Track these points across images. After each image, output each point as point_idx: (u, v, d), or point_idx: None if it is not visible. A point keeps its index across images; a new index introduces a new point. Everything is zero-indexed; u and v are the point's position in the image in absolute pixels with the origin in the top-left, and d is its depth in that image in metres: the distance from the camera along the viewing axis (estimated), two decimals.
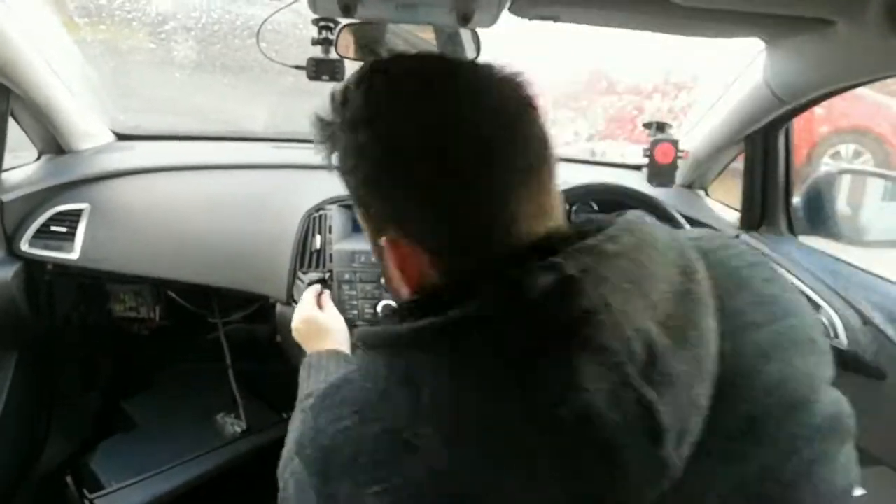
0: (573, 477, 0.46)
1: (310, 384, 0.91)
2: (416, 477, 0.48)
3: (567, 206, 1.46)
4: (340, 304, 1.29)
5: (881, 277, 1.30)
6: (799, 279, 1.33)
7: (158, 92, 2.57)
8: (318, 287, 1.21)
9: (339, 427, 0.53)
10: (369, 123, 0.52)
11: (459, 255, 0.51)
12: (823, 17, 0.95)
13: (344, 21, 1.20)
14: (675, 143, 1.49)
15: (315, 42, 1.27)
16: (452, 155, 0.50)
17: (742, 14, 0.99)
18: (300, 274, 1.38)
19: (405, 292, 0.56)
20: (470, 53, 1.22)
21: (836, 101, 1.31)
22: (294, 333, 1.10)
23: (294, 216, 1.45)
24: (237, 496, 1.56)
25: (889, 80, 1.11)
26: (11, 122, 1.47)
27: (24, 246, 1.47)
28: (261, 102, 2.67)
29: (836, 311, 1.25)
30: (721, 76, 1.46)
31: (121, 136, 1.80)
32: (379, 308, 1.32)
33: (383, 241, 0.54)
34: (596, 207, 1.49)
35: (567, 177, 1.46)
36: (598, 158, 2.22)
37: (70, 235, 1.47)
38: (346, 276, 1.34)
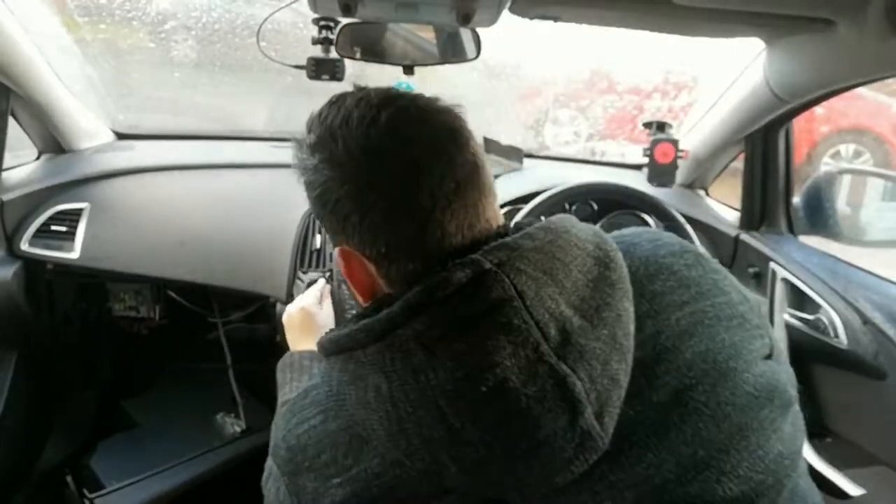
0: (502, 454, 0.50)
1: (292, 387, 0.93)
2: (371, 467, 0.55)
3: (567, 206, 1.46)
4: (340, 304, 1.29)
5: (881, 277, 1.30)
6: (799, 279, 1.34)
7: (158, 91, 2.57)
8: (324, 287, 1.22)
9: (306, 427, 0.60)
10: (322, 148, 0.59)
11: (395, 262, 0.58)
12: (823, 17, 0.95)
13: (344, 21, 1.20)
14: (675, 142, 1.49)
15: (315, 41, 1.27)
16: (386, 174, 0.56)
17: (742, 14, 0.99)
18: (300, 273, 1.38)
19: (360, 299, 0.63)
20: (470, 53, 1.22)
21: (836, 101, 1.31)
22: (285, 318, 1.11)
23: (294, 216, 1.45)
24: (237, 496, 1.55)
25: (889, 80, 1.11)
26: (11, 122, 1.47)
27: (24, 245, 1.47)
28: (261, 102, 2.67)
29: (836, 311, 1.25)
30: (721, 76, 1.46)
31: (121, 136, 1.80)
32: None
33: (336, 251, 0.62)
34: (596, 207, 1.49)
35: (567, 177, 1.47)
36: (598, 158, 2.22)
37: (70, 235, 1.47)
38: None
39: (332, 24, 1.25)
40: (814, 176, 1.48)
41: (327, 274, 1.35)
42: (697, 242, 1.36)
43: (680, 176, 1.59)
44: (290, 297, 1.39)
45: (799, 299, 1.36)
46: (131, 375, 1.94)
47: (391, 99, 0.60)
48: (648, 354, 0.56)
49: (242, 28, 2.22)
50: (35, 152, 1.63)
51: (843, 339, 1.23)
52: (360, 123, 0.57)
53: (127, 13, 2.18)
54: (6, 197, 1.47)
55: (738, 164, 1.57)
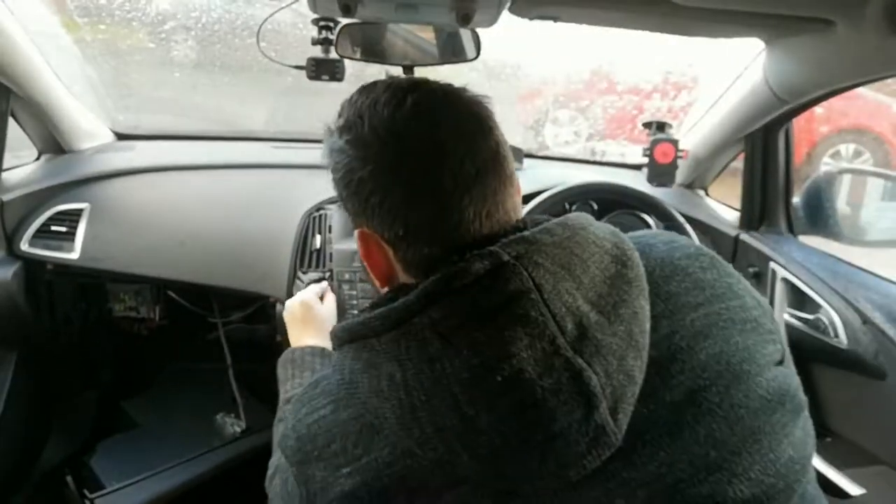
0: (517, 444, 0.50)
1: (294, 383, 0.93)
2: (382, 456, 0.55)
3: (567, 206, 1.46)
4: (340, 304, 1.29)
5: (881, 277, 1.30)
6: (799, 279, 1.34)
7: (158, 91, 2.58)
8: (325, 285, 1.22)
9: (317, 417, 0.60)
10: (349, 130, 0.60)
11: (413, 245, 0.58)
12: (823, 17, 0.96)
13: (344, 21, 1.20)
14: (674, 142, 1.49)
15: (315, 42, 1.27)
16: (410, 156, 0.57)
17: (742, 14, 1.00)
18: (300, 273, 1.38)
19: (378, 285, 0.64)
20: (470, 53, 1.22)
21: (835, 100, 1.31)
22: (286, 313, 1.11)
23: (294, 216, 1.45)
24: (237, 496, 1.56)
25: (889, 80, 1.11)
26: (11, 122, 1.47)
27: (24, 246, 1.47)
28: (260, 102, 2.67)
29: (836, 311, 1.25)
30: (721, 76, 1.46)
31: (121, 136, 1.80)
32: None
33: (356, 233, 0.62)
34: (596, 207, 1.49)
35: (567, 177, 1.47)
36: (598, 158, 2.22)
37: (70, 235, 1.47)
38: (346, 276, 1.34)
39: (331, 24, 1.25)
40: (814, 176, 1.48)
41: (327, 274, 1.35)
42: (697, 242, 1.36)
43: (680, 176, 1.59)
44: (290, 297, 1.39)
45: (799, 299, 1.36)
46: (131, 376, 1.94)
47: (419, 84, 0.61)
48: (663, 354, 0.56)
49: (242, 28, 2.23)
50: (35, 152, 1.63)
51: (843, 339, 1.24)
52: (386, 106, 0.58)
53: (127, 13, 2.18)
54: (6, 197, 1.47)
55: (738, 163, 1.57)
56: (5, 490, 1.53)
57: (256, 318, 1.80)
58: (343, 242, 1.38)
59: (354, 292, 1.33)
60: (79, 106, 1.61)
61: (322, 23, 1.25)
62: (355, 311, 1.33)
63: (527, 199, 1.36)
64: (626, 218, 1.55)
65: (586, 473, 0.51)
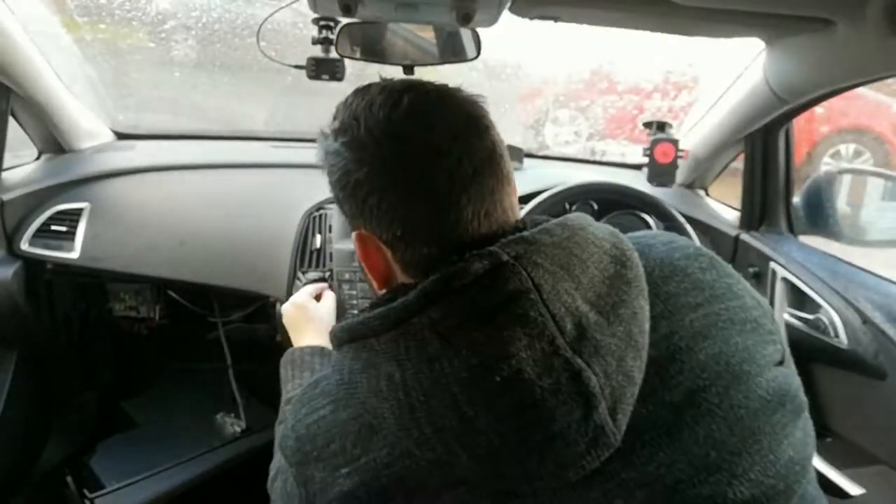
0: (516, 444, 0.50)
1: (294, 384, 0.93)
2: (381, 457, 0.55)
3: (567, 206, 1.46)
4: (340, 304, 1.29)
5: (881, 277, 1.30)
6: (799, 278, 1.34)
7: (158, 91, 2.57)
8: (322, 284, 1.22)
9: (316, 417, 0.60)
10: (345, 132, 0.60)
11: (411, 246, 0.58)
12: (823, 17, 0.96)
13: (344, 20, 1.20)
14: (675, 142, 1.49)
15: (315, 41, 1.27)
16: (406, 157, 0.57)
17: (742, 14, 0.99)
18: (300, 273, 1.38)
19: (376, 286, 0.64)
20: (470, 53, 1.22)
21: (835, 100, 1.31)
22: (284, 317, 1.11)
23: (294, 215, 1.45)
24: (237, 496, 1.56)
25: (889, 80, 1.11)
26: (11, 122, 1.47)
27: (24, 245, 1.47)
28: (260, 102, 2.67)
29: (836, 311, 1.25)
30: (721, 76, 1.46)
31: (120, 136, 1.80)
32: None
33: (354, 235, 0.63)
34: (596, 207, 1.49)
35: (567, 176, 1.46)
36: (598, 158, 2.22)
37: (70, 235, 1.47)
38: (346, 276, 1.34)
39: (332, 24, 1.25)
40: (814, 176, 1.48)
41: (327, 274, 1.35)
42: (697, 242, 1.36)
43: (680, 176, 1.59)
44: (290, 297, 1.39)
45: (799, 299, 1.36)
46: (131, 376, 1.94)
47: (414, 85, 0.61)
48: (662, 354, 0.56)
49: (242, 28, 2.22)
50: (35, 152, 1.63)
51: (843, 339, 1.24)
52: (381, 108, 0.58)
53: (127, 13, 2.18)
54: (6, 197, 1.47)
55: (738, 163, 1.57)
56: (5, 490, 1.53)
57: (256, 318, 1.80)
58: (343, 242, 1.38)
59: (354, 292, 1.33)
60: (79, 105, 1.61)
61: (322, 22, 1.25)
62: (355, 311, 1.33)
63: (527, 198, 1.36)
64: (626, 218, 1.55)
65: (585, 474, 0.51)
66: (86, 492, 1.51)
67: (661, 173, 1.50)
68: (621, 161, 1.93)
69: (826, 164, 3.77)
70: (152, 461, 1.54)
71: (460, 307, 0.52)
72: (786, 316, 1.37)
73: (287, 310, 1.11)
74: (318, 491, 0.59)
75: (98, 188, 1.54)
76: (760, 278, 1.46)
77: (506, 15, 0.99)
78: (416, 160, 0.57)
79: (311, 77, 1.30)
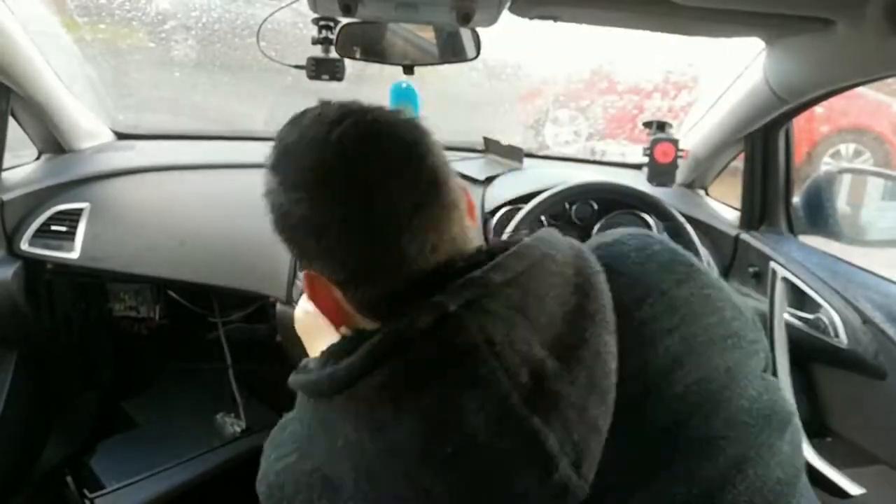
0: None
1: None
2: None
3: (567, 206, 1.46)
4: None
5: (881, 277, 1.30)
6: (799, 278, 1.34)
7: (158, 91, 2.57)
8: None
9: (283, 465, 0.58)
10: (278, 170, 0.57)
11: (359, 287, 0.56)
12: (823, 17, 0.95)
13: (344, 20, 1.20)
14: (675, 142, 1.49)
15: (315, 41, 1.27)
16: (338, 195, 0.54)
17: (742, 14, 0.99)
18: (300, 273, 1.38)
19: (329, 325, 0.63)
20: (470, 53, 1.22)
21: (835, 100, 1.31)
22: (296, 324, 1.10)
23: None
24: (237, 496, 1.55)
25: (889, 80, 1.11)
26: (11, 122, 1.47)
27: (24, 245, 1.47)
28: (260, 101, 2.67)
29: (835, 311, 1.25)
30: (721, 76, 1.46)
31: (120, 136, 1.80)
32: None
33: (303, 274, 0.60)
34: (596, 207, 1.49)
35: (567, 176, 1.47)
36: (598, 158, 2.22)
37: (70, 235, 1.47)
38: None
39: (332, 24, 1.25)
40: (814, 176, 1.48)
41: None
42: (698, 242, 1.36)
43: (680, 176, 1.59)
44: (290, 297, 1.39)
45: (799, 299, 1.36)
46: (131, 376, 1.94)
47: (345, 115, 0.57)
48: (635, 391, 0.53)
49: (242, 28, 2.22)
50: (35, 152, 1.63)
51: (843, 339, 1.23)
52: (311, 144, 0.55)
53: (127, 13, 2.17)
54: (6, 197, 1.47)
55: (738, 163, 1.57)
56: (5, 490, 1.53)
57: (256, 318, 1.80)
58: None
59: None
60: (79, 105, 1.61)
61: (322, 22, 1.25)
62: None
63: (527, 198, 1.36)
64: (626, 218, 1.55)
65: None
66: (86, 492, 1.51)
67: (661, 173, 1.50)
68: (621, 161, 1.93)
69: (826, 164, 3.77)
70: (152, 461, 1.54)
71: (407, 368, 0.49)
72: (786, 316, 1.37)
73: (299, 317, 1.10)
74: None
75: (98, 188, 1.54)
76: (760, 278, 1.46)
77: (506, 15, 0.99)
78: (349, 199, 0.53)
79: (311, 77, 1.30)
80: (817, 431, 1.33)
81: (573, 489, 0.47)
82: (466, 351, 0.48)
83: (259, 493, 0.61)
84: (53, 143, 1.60)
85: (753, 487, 0.53)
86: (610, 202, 1.46)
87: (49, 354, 1.67)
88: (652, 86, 3.06)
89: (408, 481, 0.49)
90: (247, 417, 1.69)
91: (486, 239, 1.44)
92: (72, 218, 1.49)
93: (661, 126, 1.52)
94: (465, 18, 0.96)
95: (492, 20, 1.01)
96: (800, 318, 1.34)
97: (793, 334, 1.35)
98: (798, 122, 1.46)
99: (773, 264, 1.40)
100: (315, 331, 1.07)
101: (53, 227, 1.48)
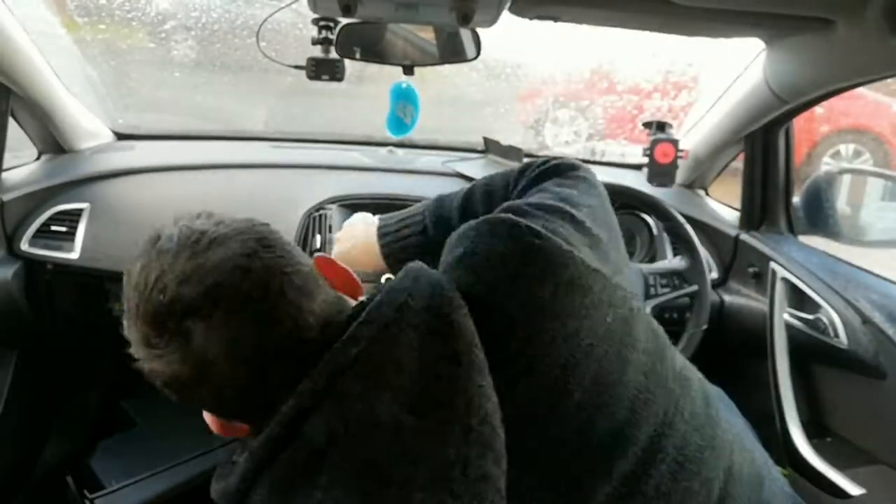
0: None
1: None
2: None
3: None
4: None
5: (881, 277, 1.30)
6: (799, 279, 1.34)
7: (158, 91, 2.58)
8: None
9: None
10: (127, 327, 0.61)
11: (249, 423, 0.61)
12: (823, 16, 0.96)
13: (344, 21, 1.20)
14: (675, 142, 1.49)
15: (315, 41, 1.27)
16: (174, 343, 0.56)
17: (742, 14, 0.99)
18: None
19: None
20: (470, 53, 1.22)
21: (835, 100, 1.31)
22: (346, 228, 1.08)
23: (294, 215, 1.45)
24: None
25: (889, 80, 1.11)
26: (11, 122, 1.47)
27: (24, 245, 1.47)
28: (260, 102, 2.67)
29: (835, 311, 1.25)
30: (721, 76, 1.46)
31: (120, 136, 1.79)
32: None
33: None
34: None
35: None
36: (598, 158, 2.22)
37: (70, 235, 1.47)
38: None
39: (332, 24, 1.25)
40: (814, 176, 1.48)
41: None
42: (697, 242, 1.36)
43: (680, 176, 1.59)
44: None
45: (799, 299, 1.36)
46: (131, 376, 1.92)
47: (185, 243, 0.58)
48: (524, 416, 0.53)
49: (242, 28, 2.23)
50: (35, 152, 1.63)
51: (843, 339, 1.23)
52: (147, 298, 0.56)
53: (127, 13, 2.18)
54: (6, 197, 1.47)
55: (738, 164, 1.57)
56: (5, 490, 1.53)
57: None
58: None
59: None
60: (79, 106, 1.61)
61: (322, 23, 1.25)
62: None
63: None
64: (626, 218, 1.55)
65: None
66: (86, 492, 1.51)
67: (661, 173, 1.50)
68: (621, 161, 1.93)
69: (826, 164, 3.77)
70: (152, 461, 1.54)
71: (284, 474, 0.50)
72: (786, 316, 1.37)
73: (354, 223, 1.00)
74: None
75: (98, 188, 1.54)
76: (760, 278, 1.46)
77: (506, 15, 0.99)
78: (198, 340, 0.54)
79: (310, 77, 1.30)
80: (817, 432, 1.33)
81: None
82: (323, 447, 0.49)
83: None
84: (53, 143, 1.60)
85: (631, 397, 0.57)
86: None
87: (49, 354, 1.67)
88: (652, 86, 3.07)
89: None
90: None
91: None
92: (72, 218, 1.49)
93: (661, 126, 1.52)
94: (465, 19, 0.96)
95: (492, 20, 1.01)
96: (800, 319, 1.34)
97: (793, 334, 1.35)
98: (798, 122, 1.46)
99: (773, 265, 1.40)
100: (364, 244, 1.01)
101: (53, 228, 1.48)
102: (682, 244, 1.39)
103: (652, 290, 1.38)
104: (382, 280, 0.93)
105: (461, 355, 0.51)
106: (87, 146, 1.67)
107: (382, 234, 0.84)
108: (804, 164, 3.49)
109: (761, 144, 1.46)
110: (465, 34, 1.21)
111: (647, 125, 1.55)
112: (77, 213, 1.49)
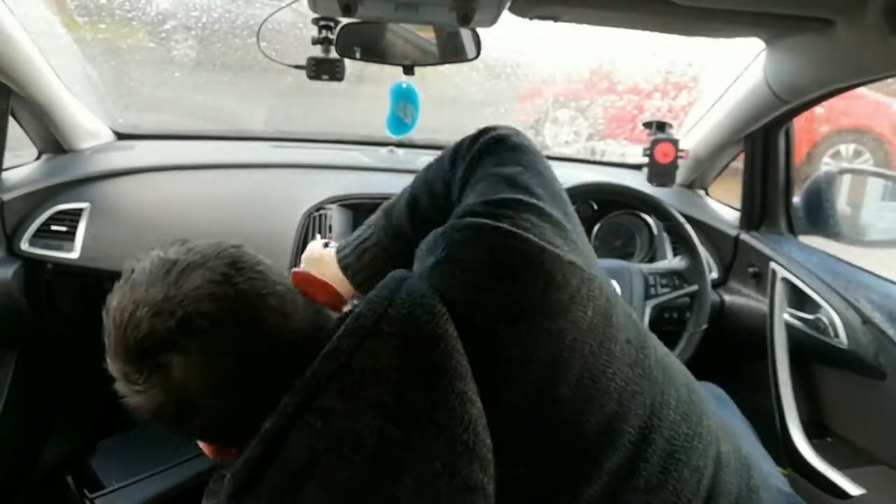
0: None
1: None
2: None
3: None
4: None
5: (881, 277, 1.30)
6: (799, 279, 1.34)
7: (158, 91, 2.57)
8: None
9: None
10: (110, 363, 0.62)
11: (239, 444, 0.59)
12: (823, 17, 0.95)
13: (344, 20, 1.20)
14: (675, 142, 1.49)
15: (315, 41, 1.27)
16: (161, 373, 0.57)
17: (742, 14, 0.99)
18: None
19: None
20: (470, 53, 1.22)
21: (835, 100, 1.31)
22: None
23: (294, 215, 1.45)
24: None
25: (889, 80, 1.11)
26: (11, 122, 1.47)
27: (24, 245, 1.47)
28: (261, 102, 2.67)
29: (836, 311, 1.25)
30: (721, 76, 1.46)
31: (121, 136, 1.79)
32: None
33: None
34: (596, 207, 1.49)
35: (567, 176, 1.46)
36: (598, 158, 2.22)
37: (70, 235, 1.47)
38: None
39: (332, 24, 1.25)
40: (814, 176, 1.48)
41: None
42: (697, 242, 1.36)
43: (680, 176, 1.59)
44: None
45: (799, 299, 1.36)
46: None
47: (191, 258, 0.58)
48: (523, 412, 0.54)
49: (242, 28, 2.22)
50: (35, 152, 1.63)
51: (843, 339, 1.23)
52: (122, 335, 0.57)
53: (127, 13, 2.17)
54: (6, 197, 1.46)
55: (738, 164, 1.57)
56: (5, 490, 1.53)
57: None
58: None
59: None
60: (79, 105, 1.61)
61: (322, 22, 1.25)
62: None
63: None
64: (626, 218, 1.55)
65: None
66: (86, 492, 1.51)
67: (661, 173, 1.50)
68: (621, 161, 1.93)
69: (826, 164, 3.77)
70: (152, 461, 1.54)
71: (260, 502, 0.50)
72: (786, 316, 1.37)
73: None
74: None
75: (98, 188, 1.54)
76: (760, 278, 1.46)
77: (506, 15, 0.99)
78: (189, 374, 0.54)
79: (311, 77, 1.30)
80: (817, 431, 1.33)
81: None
82: (312, 462, 0.49)
83: None
84: (53, 143, 1.60)
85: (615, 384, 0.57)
86: (610, 202, 1.46)
87: (49, 354, 1.67)
88: (652, 86, 3.06)
89: None
90: None
91: None
92: (72, 218, 1.48)
93: (661, 126, 1.52)
94: (465, 19, 0.96)
95: (492, 20, 1.01)
96: (800, 319, 1.34)
97: (793, 334, 1.35)
98: (798, 122, 1.46)
99: (773, 265, 1.40)
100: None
101: (53, 227, 1.48)
102: (682, 244, 1.39)
103: (652, 290, 1.38)
104: None
105: (443, 363, 0.51)
106: (87, 146, 1.67)
107: (344, 265, 0.81)
108: (804, 164, 3.48)
109: (761, 144, 1.46)
110: (465, 34, 1.21)
111: (647, 125, 1.55)
112: (77, 213, 1.49)
